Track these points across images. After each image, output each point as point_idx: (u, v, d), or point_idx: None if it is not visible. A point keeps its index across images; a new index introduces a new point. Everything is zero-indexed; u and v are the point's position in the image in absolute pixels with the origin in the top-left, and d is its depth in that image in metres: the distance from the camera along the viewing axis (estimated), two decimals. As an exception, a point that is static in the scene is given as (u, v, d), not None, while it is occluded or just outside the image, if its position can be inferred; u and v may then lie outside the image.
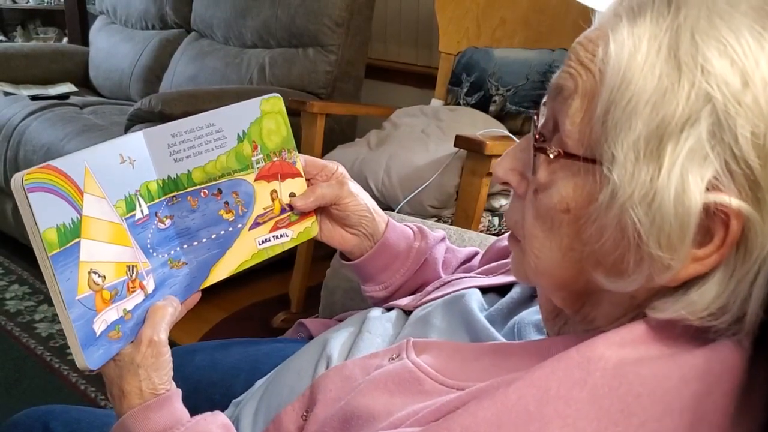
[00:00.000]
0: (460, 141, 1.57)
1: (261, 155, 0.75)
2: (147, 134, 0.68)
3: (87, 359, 0.59)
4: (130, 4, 3.19)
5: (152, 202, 0.68)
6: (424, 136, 1.84)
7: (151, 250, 0.67)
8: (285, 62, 2.50)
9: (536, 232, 0.52)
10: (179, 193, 0.70)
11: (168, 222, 0.69)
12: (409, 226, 0.89)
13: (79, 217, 0.59)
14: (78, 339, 0.58)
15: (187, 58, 2.84)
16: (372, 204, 0.83)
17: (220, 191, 0.72)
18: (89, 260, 0.60)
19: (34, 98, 2.73)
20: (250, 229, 0.74)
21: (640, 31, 0.45)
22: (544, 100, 0.54)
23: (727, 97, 0.42)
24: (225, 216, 0.72)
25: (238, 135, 0.73)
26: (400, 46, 2.80)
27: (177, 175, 0.70)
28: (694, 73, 0.43)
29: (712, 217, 0.43)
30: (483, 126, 1.80)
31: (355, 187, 0.81)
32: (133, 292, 0.64)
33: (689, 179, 0.42)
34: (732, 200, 0.42)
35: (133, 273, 0.64)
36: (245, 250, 0.74)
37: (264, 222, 0.75)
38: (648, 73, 0.44)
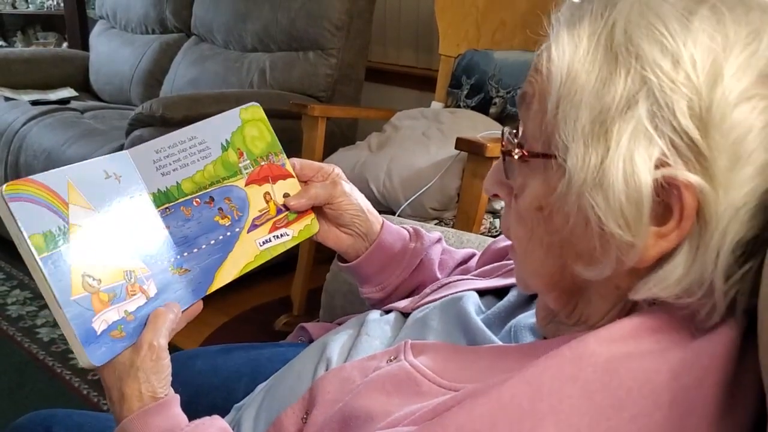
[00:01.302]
0: (461, 143, 1.57)
1: (248, 161, 0.77)
2: (132, 153, 0.71)
3: (90, 356, 0.60)
4: (130, 8, 3.20)
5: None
6: (425, 138, 1.85)
7: (149, 257, 0.68)
8: (285, 66, 2.50)
9: (520, 234, 0.55)
10: (171, 204, 0.71)
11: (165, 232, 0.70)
12: (404, 227, 0.90)
13: (66, 225, 0.61)
14: (78, 336, 0.59)
15: (188, 62, 2.85)
16: (366, 204, 0.84)
17: (212, 199, 0.74)
18: (81, 265, 0.61)
19: (34, 103, 2.73)
20: (248, 231, 0.75)
21: (579, 32, 0.49)
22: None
23: (661, 78, 0.45)
24: (221, 221, 0.74)
25: (222, 144, 0.76)
26: (400, 49, 2.81)
27: (167, 187, 0.72)
28: (629, 61, 0.46)
29: (667, 193, 0.45)
30: (483, 128, 1.81)
31: (348, 187, 0.83)
32: (133, 295, 0.64)
33: (636, 158, 0.45)
34: (680, 173, 0.45)
35: (131, 277, 0.65)
36: (248, 252, 0.75)
37: (262, 224, 0.76)
38: (589, 67, 0.48)
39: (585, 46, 0.49)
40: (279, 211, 0.78)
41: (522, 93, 0.54)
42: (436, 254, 0.89)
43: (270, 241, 0.77)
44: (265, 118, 0.80)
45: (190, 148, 0.74)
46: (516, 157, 0.53)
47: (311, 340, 0.90)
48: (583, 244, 0.50)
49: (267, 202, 0.77)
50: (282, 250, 0.78)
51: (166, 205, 0.71)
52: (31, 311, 2.27)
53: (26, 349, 2.04)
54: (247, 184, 0.76)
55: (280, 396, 0.70)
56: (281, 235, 0.78)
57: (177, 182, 0.72)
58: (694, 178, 0.44)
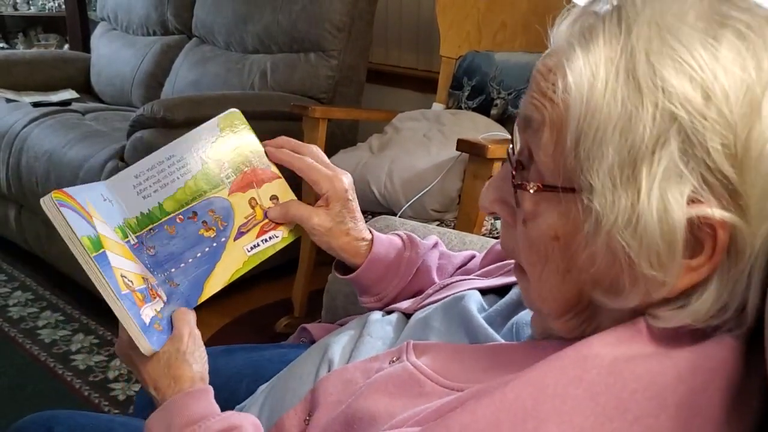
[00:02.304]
0: (462, 145, 1.57)
1: (229, 170, 0.77)
2: (109, 184, 0.75)
3: (150, 341, 0.64)
4: (131, 10, 3.20)
5: (137, 234, 0.74)
6: (426, 140, 1.85)
7: (151, 270, 0.73)
8: (286, 67, 2.50)
9: (533, 260, 0.53)
10: (155, 224, 0.75)
11: (153, 251, 0.74)
12: (398, 234, 0.89)
13: (96, 234, 0.66)
14: (138, 325, 0.64)
15: (189, 63, 2.85)
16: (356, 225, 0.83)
17: (195, 213, 0.76)
18: (118, 267, 0.66)
19: (35, 105, 2.73)
20: (235, 239, 0.77)
21: (595, 57, 0.46)
22: (516, 123, 0.55)
23: (692, 114, 0.42)
24: (206, 234, 0.76)
25: (201, 158, 0.76)
26: (401, 51, 2.81)
27: (149, 209, 0.75)
28: (655, 95, 0.43)
29: (699, 229, 0.44)
30: (485, 129, 1.81)
31: (350, 203, 0.82)
32: (155, 298, 0.70)
33: (669, 198, 0.43)
34: (714, 211, 0.43)
35: (148, 283, 0.70)
36: (235, 260, 0.76)
37: (248, 230, 0.77)
38: (611, 100, 0.45)
39: (603, 75, 0.45)
40: (266, 215, 0.78)
41: (526, 116, 0.51)
42: (434, 260, 0.89)
43: (258, 245, 0.77)
44: (246, 122, 0.79)
45: (168, 167, 0.75)
46: (531, 191, 0.50)
47: (313, 341, 0.90)
48: (608, 279, 0.48)
49: (253, 207, 0.78)
50: (272, 253, 0.78)
51: (150, 226, 0.74)
52: (32, 313, 2.27)
53: (27, 351, 2.04)
54: (230, 194, 0.77)
55: (282, 397, 0.70)
56: (270, 238, 0.78)
57: (159, 203, 0.75)
58: (728, 216, 0.43)
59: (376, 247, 0.84)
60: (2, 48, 4.42)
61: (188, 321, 0.70)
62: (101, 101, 3.21)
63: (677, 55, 0.43)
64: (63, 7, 4.01)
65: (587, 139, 0.45)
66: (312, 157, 0.81)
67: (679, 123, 0.43)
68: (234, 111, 0.79)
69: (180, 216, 0.75)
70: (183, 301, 0.74)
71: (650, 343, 0.46)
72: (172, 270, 0.74)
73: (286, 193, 0.80)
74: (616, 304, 0.48)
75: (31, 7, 4.60)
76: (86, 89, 3.29)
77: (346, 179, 0.82)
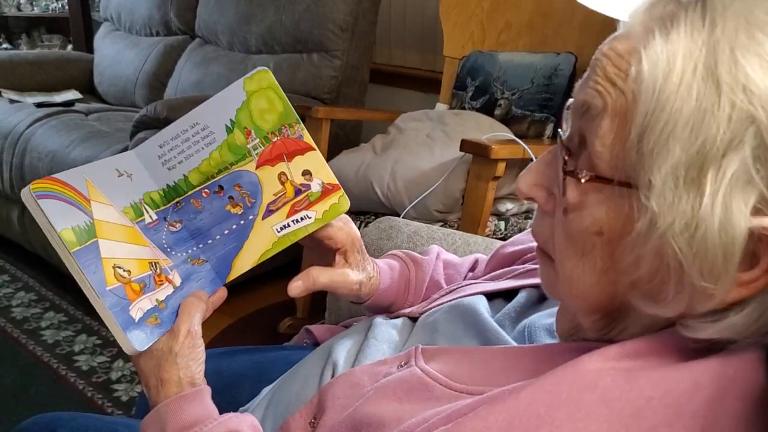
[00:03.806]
0: (466, 145, 1.57)
1: (257, 140, 0.70)
2: (138, 152, 0.71)
3: (132, 341, 0.61)
4: (135, 10, 3.20)
5: (158, 209, 0.70)
6: (430, 140, 1.84)
7: (169, 250, 0.69)
8: (290, 68, 2.50)
9: (569, 253, 0.50)
10: (181, 198, 0.71)
11: (179, 225, 0.70)
12: (396, 255, 0.88)
13: (90, 220, 0.62)
14: (119, 324, 0.60)
15: (192, 64, 2.85)
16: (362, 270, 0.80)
17: (221, 188, 0.71)
18: (111, 257, 0.62)
19: (39, 105, 2.74)
20: (263, 218, 0.71)
21: (674, 47, 0.42)
22: (567, 104, 0.52)
23: None
24: (233, 210, 0.71)
25: (226, 126, 0.70)
26: (405, 51, 2.80)
27: (175, 182, 0.70)
28: (735, 93, 0.40)
29: (758, 241, 0.41)
30: (488, 130, 1.80)
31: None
32: (161, 285, 0.66)
33: (733, 205, 0.40)
34: None
35: (156, 268, 0.66)
36: (264, 240, 0.71)
37: (278, 208, 0.71)
38: (685, 94, 0.41)
39: (680, 67, 0.42)
40: (297, 192, 0.71)
41: (584, 102, 0.47)
42: (440, 273, 0.87)
43: (288, 226, 0.71)
44: (276, 84, 0.69)
45: (193, 136, 0.70)
46: (583, 180, 0.47)
47: (316, 343, 0.89)
48: (651, 285, 0.45)
49: (283, 183, 0.70)
50: (304, 235, 0.71)
51: (177, 200, 0.71)
52: (35, 313, 2.27)
53: (31, 352, 2.04)
54: (258, 167, 0.70)
55: (287, 400, 0.70)
56: (302, 219, 0.71)
57: (184, 175, 0.70)
58: None
59: (381, 282, 0.82)
60: (6, 48, 4.42)
61: (191, 316, 0.65)
62: (104, 102, 3.22)
63: (765, 53, 0.40)
64: (66, 7, 4.01)
65: (653, 133, 0.42)
66: None
67: (756, 126, 0.40)
68: (263, 69, 0.69)
69: (206, 190, 0.70)
70: (210, 279, 0.70)
71: (671, 355, 0.45)
72: (200, 246, 0.71)
73: (320, 168, 0.71)
74: (653, 311, 0.46)
75: (35, 8, 4.61)
76: (89, 90, 3.30)
77: (353, 224, 0.78)
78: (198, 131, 0.70)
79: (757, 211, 0.41)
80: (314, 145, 0.71)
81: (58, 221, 0.59)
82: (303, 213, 0.71)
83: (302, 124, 0.70)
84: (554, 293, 0.56)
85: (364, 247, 0.79)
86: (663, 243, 0.43)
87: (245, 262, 0.72)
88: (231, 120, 0.69)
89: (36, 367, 1.96)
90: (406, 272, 0.85)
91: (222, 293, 0.72)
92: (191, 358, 0.64)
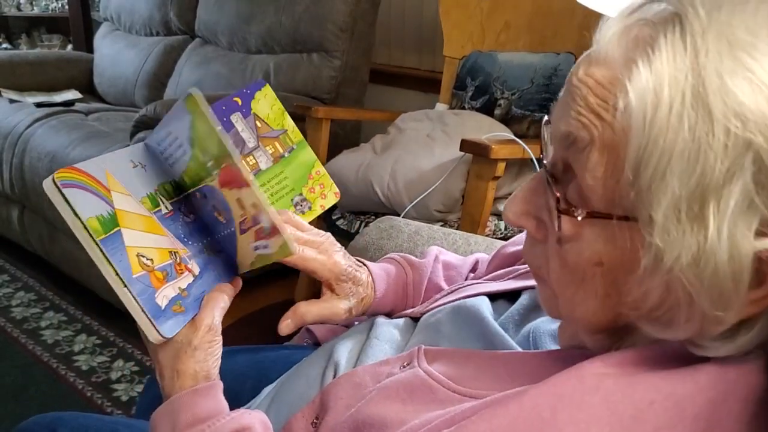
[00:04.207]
0: (466, 145, 1.57)
1: (211, 162, 0.65)
2: (146, 144, 0.71)
3: (161, 327, 0.61)
4: (135, 10, 3.20)
5: (172, 200, 0.70)
6: (430, 140, 1.84)
7: (185, 239, 0.69)
8: (289, 68, 2.50)
9: (565, 280, 0.49)
10: (188, 192, 0.71)
11: (192, 216, 0.71)
12: (393, 259, 0.87)
13: (112, 210, 0.62)
14: (147, 311, 0.60)
15: (192, 64, 2.85)
16: (351, 269, 0.79)
17: (204, 195, 0.69)
18: (134, 245, 0.62)
19: (39, 105, 2.74)
20: (240, 233, 0.69)
21: (659, 77, 0.41)
22: (545, 120, 0.51)
23: None
24: (219, 218, 0.70)
25: (190, 139, 0.66)
26: (405, 51, 2.80)
27: (179, 176, 0.71)
28: (729, 120, 0.38)
29: (763, 262, 0.41)
30: (488, 130, 1.80)
31: (342, 264, 0.77)
32: (181, 273, 0.66)
33: (737, 233, 0.40)
34: None
35: (176, 257, 0.66)
36: (247, 254, 0.70)
37: (247, 229, 0.68)
38: (677, 125, 0.40)
39: (668, 97, 0.40)
40: (255, 221, 0.67)
41: (569, 134, 0.45)
42: (439, 275, 0.87)
43: (258, 249, 0.69)
44: (205, 110, 0.62)
45: (172, 142, 0.68)
46: (579, 218, 0.45)
47: (317, 343, 0.89)
48: (659, 313, 0.45)
49: (243, 208, 0.66)
50: (272, 260, 0.67)
51: (185, 193, 0.71)
52: (35, 313, 2.27)
53: (30, 352, 2.04)
54: (220, 186, 0.66)
55: (289, 400, 0.70)
56: (264, 247, 0.68)
57: (180, 174, 0.71)
58: None
59: (378, 291, 0.81)
60: (6, 48, 4.42)
61: (213, 311, 0.65)
62: (104, 102, 3.22)
63: (754, 76, 0.39)
64: (66, 7, 4.01)
65: (648, 168, 0.41)
66: (290, 225, 0.75)
67: (755, 151, 0.38)
68: (193, 91, 0.63)
69: (197, 193, 0.70)
70: (225, 269, 0.71)
71: (672, 359, 0.45)
72: (215, 236, 0.71)
73: (264, 207, 0.64)
74: (662, 335, 0.46)
75: (35, 8, 4.61)
76: (89, 90, 3.30)
77: (337, 255, 0.77)
78: (174, 139, 0.68)
79: (760, 234, 0.40)
80: (249, 181, 0.63)
81: (84, 210, 0.59)
82: (264, 242, 0.67)
83: (235, 158, 0.62)
84: (555, 314, 0.54)
85: (352, 271, 0.78)
86: (671, 277, 0.42)
87: (242, 266, 0.72)
88: (189, 136, 0.66)
89: (36, 367, 1.96)
90: (403, 276, 0.85)
91: (237, 283, 0.72)
92: (209, 353, 0.64)
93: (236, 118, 0.74)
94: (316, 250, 0.75)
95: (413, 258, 0.87)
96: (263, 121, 0.75)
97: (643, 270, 0.43)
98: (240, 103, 0.74)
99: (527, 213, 0.51)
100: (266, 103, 0.76)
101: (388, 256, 0.89)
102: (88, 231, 0.59)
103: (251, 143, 0.75)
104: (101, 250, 0.59)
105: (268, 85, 0.77)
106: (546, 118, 0.51)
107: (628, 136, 0.42)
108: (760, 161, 0.39)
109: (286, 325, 0.75)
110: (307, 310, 0.75)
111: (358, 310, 0.79)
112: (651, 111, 0.41)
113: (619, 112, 0.42)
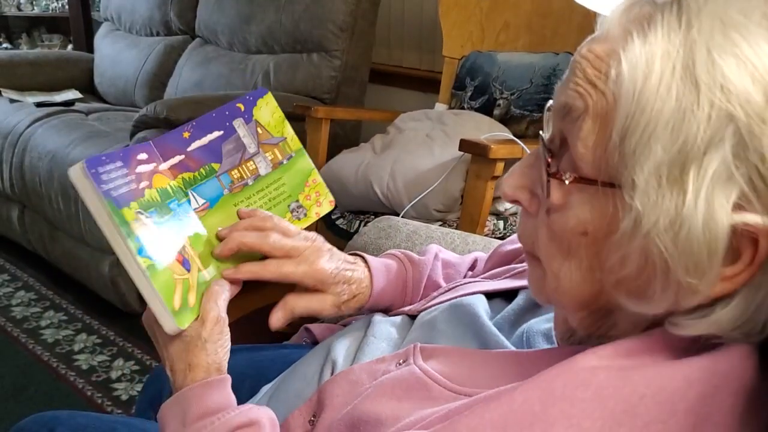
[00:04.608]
0: (465, 145, 1.57)
1: None
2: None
3: (178, 321, 0.63)
4: (135, 10, 3.20)
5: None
6: (429, 140, 1.84)
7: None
8: (289, 68, 2.51)
9: (551, 251, 0.51)
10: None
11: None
12: (393, 255, 0.87)
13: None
14: (163, 303, 0.63)
15: (192, 64, 2.85)
16: (343, 269, 0.78)
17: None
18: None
19: (39, 105, 2.74)
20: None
21: (652, 48, 0.43)
22: (547, 106, 0.53)
23: (750, 116, 0.40)
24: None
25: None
26: (404, 51, 2.80)
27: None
28: (713, 92, 0.41)
29: (739, 237, 0.42)
30: (488, 130, 1.80)
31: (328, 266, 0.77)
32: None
33: (715, 202, 0.41)
34: (760, 219, 0.41)
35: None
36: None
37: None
38: (664, 95, 0.42)
39: (659, 68, 0.42)
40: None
41: (566, 104, 0.48)
42: (438, 273, 0.87)
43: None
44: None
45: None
46: (567, 181, 0.47)
47: (315, 342, 0.90)
48: (637, 283, 0.46)
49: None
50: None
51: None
52: (35, 312, 2.28)
53: (30, 351, 2.04)
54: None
55: (287, 398, 0.70)
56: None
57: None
58: None
59: (376, 284, 0.81)
60: (6, 48, 4.43)
61: (217, 304, 0.66)
62: (104, 101, 3.22)
63: (741, 53, 0.41)
64: (66, 7, 4.01)
65: (635, 134, 0.43)
66: (276, 231, 0.73)
67: (735, 124, 0.40)
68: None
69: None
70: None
71: (662, 352, 0.46)
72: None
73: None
74: (639, 309, 0.47)
75: (35, 8, 4.61)
76: (89, 89, 3.31)
77: (323, 260, 0.76)
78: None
79: (738, 207, 0.41)
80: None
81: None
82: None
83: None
84: (541, 294, 0.55)
85: (344, 273, 0.78)
86: (648, 241, 0.43)
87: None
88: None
89: (36, 366, 1.96)
90: (403, 272, 0.85)
91: (237, 285, 0.74)
92: (219, 345, 0.65)
93: (239, 124, 0.77)
94: (296, 260, 0.74)
95: (414, 255, 0.88)
96: (264, 128, 0.78)
97: (622, 233, 0.44)
98: (243, 109, 0.77)
99: (523, 186, 0.53)
100: (268, 110, 0.79)
101: (389, 252, 0.89)
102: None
103: (252, 149, 0.77)
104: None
105: (270, 93, 0.80)
106: (550, 102, 0.53)
107: (618, 103, 0.44)
108: (739, 134, 0.40)
109: (276, 318, 0.76)
110: (295, 303, 0.76)
111: (349, 306, 0.79)
112: (641, 80, 0.43)
113: (611, 80, 0.45)
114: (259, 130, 0.78)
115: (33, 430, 0.76)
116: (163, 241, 0.65)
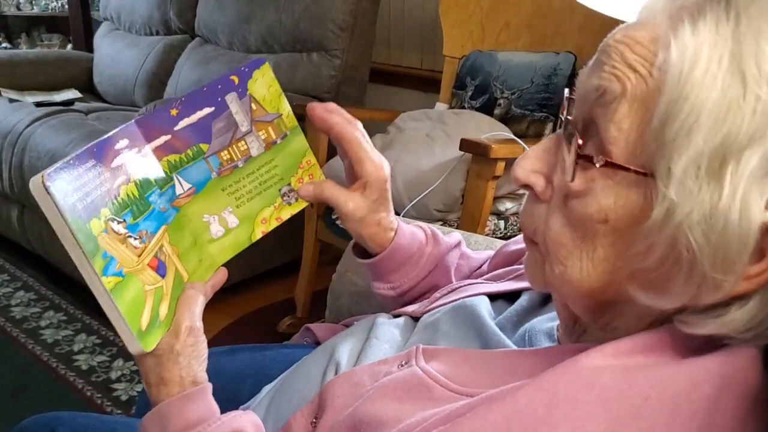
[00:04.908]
0: (466, 144, 1.57)
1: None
2: None
3: (142, 342, 0.60)
4: (134, 10, 3.20)
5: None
6: (429, 140, 1.84)
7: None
8: (289, 67, 2.50)
9: (564, 240, 0.49)
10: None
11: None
12: (422, 228, 0.87)
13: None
14: (128, 324, 0.59)
15: (192, 63, 2.85)
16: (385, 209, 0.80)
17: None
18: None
19: (38, 105, 2.73)
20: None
21: (701, 38, 0.42)
22: (568, 94, 0.51)
23: None
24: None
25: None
26: (404, 50, 2.80)
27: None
28: (760, 86, 0.40)
29: (765, 235, 0.42)
30: (488, 129, 1.80)
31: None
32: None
33: (750, 199, 0.41)
34: None
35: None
36: None
37: None
38: (710, 85, 0.41)
39: (705, 58, 0.42)
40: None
41: (600, 86, 0.46)
42: (454, 260, 0.87)
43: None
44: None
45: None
46: (597, 165, 0.46)
47: (317, 342, 0.90)
48: (653, 274, 0.45)
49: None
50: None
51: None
52: (35, 313, 2.27)
53: (30, 351, 2.04)
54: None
55: (289, 399, 0.70)
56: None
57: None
58: None
59: (399, 238, 0.81)
60: (5, 48, 4.43)
61: (191, 312, 0.63)
62: (104, 101, 3.22)
63: None
64: (66, 7, 4.01)
65: (676, 121, 0.42)
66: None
67: None
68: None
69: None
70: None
71: (666, 352, 0.45)
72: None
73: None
74: (652, 303, 0.46)
75: (35, 7, 4.61)
76: (89, 89, 3.30)
77: (387, 167, 0.78)
78: None
79: None
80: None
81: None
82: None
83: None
84: (540, 282, 0.55)
85: (388, 195, 0.79)
86: (678, 233, 0.42)
87: None
88: None
89: (35, 367, 1.96)
90: (424, 244, 0.85)
91: (222, 275, 0.71)
92: (193, 356, 0.63)
93: (231, 99, 0.72)
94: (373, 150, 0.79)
95: (439, 233, 0.87)
96: (259, 103, 0.73)
97: (652, 223, 0.43)
98: (236, 82, 0.72)
99: (538, 171, 0.52)
100: (264, 83, 0.73)
101: (417, 223, 0.89)
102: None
103: (244, 127, 0.73)
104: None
105: (267, 64, 0.74)
106: (566, 90, 0.52)
107: (662, 89, 0.43)
108: None
109: (307, 190, 0.76)
110: (326, 185, 0.76)
111: (376, 233, 0.79)
112: (688, 68, 0.42)
113: (656, 65, 0.44)
114: (253, 105, 0.73)
115: (33, 430, 0.76)
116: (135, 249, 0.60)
